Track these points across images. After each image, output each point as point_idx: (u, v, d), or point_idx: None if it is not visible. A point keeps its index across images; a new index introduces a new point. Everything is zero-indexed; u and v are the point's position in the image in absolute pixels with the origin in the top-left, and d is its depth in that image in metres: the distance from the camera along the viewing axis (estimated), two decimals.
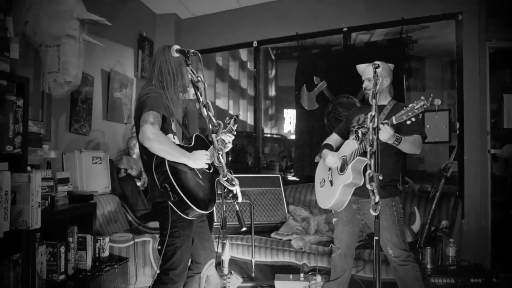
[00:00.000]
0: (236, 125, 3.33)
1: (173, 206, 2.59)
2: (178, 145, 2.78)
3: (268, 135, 12.09)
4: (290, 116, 14.24)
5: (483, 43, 4.73)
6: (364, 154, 3.23)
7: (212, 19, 6.26)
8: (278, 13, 5.87)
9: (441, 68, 9.01)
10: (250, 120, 14.47)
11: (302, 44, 5.81)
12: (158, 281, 2.76)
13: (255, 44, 6.04)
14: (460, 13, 4.79)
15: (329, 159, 3.53)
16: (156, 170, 2.61)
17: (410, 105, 2.77)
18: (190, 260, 3.01)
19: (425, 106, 2.69)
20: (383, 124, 2.95)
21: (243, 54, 18.43)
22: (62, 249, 3.31)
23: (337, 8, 5.52)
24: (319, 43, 6.02)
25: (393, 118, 2.88)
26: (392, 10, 5.17)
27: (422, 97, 2.69)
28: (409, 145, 3.17)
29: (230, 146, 3.07)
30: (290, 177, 7.52)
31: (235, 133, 3.26)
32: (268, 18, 5.93)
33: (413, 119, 2.78)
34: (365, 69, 3.51)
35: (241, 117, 17.78)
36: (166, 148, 2.58)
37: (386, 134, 2.91)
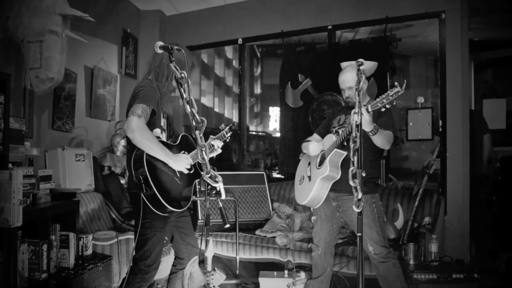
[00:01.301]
0: (231, 132, 3.36)
1: (145, 199, 2.66)
2: (162, 142, 2.82)
3: (254, 133, 12.09)
4: (275, 114, 14.26)
5: (465, 41, 4.78)
6: (341, 146, 3.25)
7: (197, 16, 6.23)
8: (263, 11, 5.87)
9: (425, 66, 9.09)
10: (235, 118, 14.45)
11: (287, 42, 5.81)
12: (129, 272, 2.81)
13: (240, 41, 6.03)
14: (443, 12, 4.83)
15: (312, 146, 3.54)
16: (135, 161, 2.67)
17: (385, 93, 2.78)
18: (174, 256, 3.05)
19: (399, 93, 2.69)
20: (356, 113, 2.97)
21: (229, 51, 18.39)
22: (45, 247, 3.27)
23: (322, 6, 5.53)
24: (304, 40, 6.03)
25: (369, 105, 2.88)
26: (377, 8, 5.20)
27: (396, 83, 2.70)
28: (383, 138, 3.19)
29: (219, 151, 3.13)
30: (275, 175, 7.52)
31: (227, 140, 3.30)
32: (253, 15, 5.93)
33: (388, 106, 2.78)
34: (344, 78, 3.50)
35: (226, 115, 17.79)
36: (147, 142, 2.64)
37: (363, 119, 2.90)
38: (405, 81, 2.75)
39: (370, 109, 2.88)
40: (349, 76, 3.44)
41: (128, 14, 5.95)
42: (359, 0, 5.33)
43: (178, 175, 2.86)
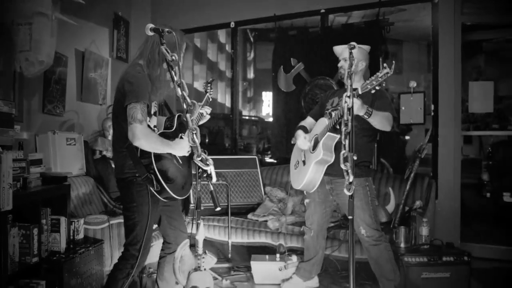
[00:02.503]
0: (212, 90, 3.35)
1: (152, 190, 2.66)
2: (161, 133, 2.83)
3: (247, 117, 12.08)
4: (268, 99, 14.24)
5: (458, 26, 4.77)
6: (334, 130, 3.25)
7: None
8: None
9: (418, 51, 9.08)
10: (228, 103, 14.41)
11: (280, 26, 5.77)
12: (120, 258, 2.81)
13: (232, 25, 5.99)
14: None
15: (300, 141, 3.55)
16: (142, 155, 2.66)
17: (375, 74, 2.77)
18: (155, 238, 3.05)
19: (388, 74, 2.70)
20: (348, 97, 2.96)
21: (222, 36, 18.27)
22: (35, 231, 3.25)
23: None
24: (296, 24, 5.99)
25: (359, 88, 2.87)
26: None
27: (385, 65, 2.70)
28: (380, 119, 3.19)
29: (208, 117, 3.12)
30: (268, 159, 7.54)
31: (210, 97, 3.32)
32: None
33: (377, 88, 2.78)
34: (342, 51, 3.52)
35: (219, 100, 17.72)
36: (154, 145, 2.64)
37: (354, 105, 2.90)
38: (394, 62, 2.75)
39: (360, 91, 2.87)
40: (346, 49, 3.43)
41: None
42: None
43: (180, 160, 2.87)
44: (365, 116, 3.06)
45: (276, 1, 5.68)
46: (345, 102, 2.37)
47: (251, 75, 18.30)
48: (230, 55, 6.24)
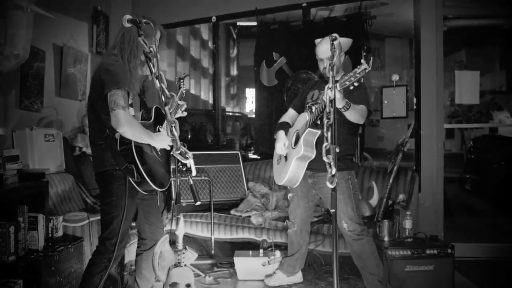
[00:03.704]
0: (185, 86, 3.32)
1: (132, 181, 2.63)
2: (141, 122, 2.78)
3: (230, 114, 12.04)
4: (252, 96, 14.22)
5: (439, 19, 4.77)
6: (314, 125, 3.22)
7: None
8: None
9: (401, 46, 9.13)
10: (211, 100, 14.38)
11: (262, 20, 5.73)
12: (95, 252, 2.77)
13: (214, 19, 5.92)
14: None
15: (279, 146, 3.52)
16: (121, 146, 2.62)
17: (353, 70, 2.75)
18: (137, 237, 3.01)
19: (366, 70, 2.67)
20: (330, 88, 2.94)
21: (204, 32, 18.21)
22: (12, 229, 3.17)
23: None
24: (278, 19, 5.96)
25: (337, 84, 2.84)
26: None
27: (363, 61, 2.67)
28: (356, 113, 3.17)
29: (184, 113, 3.08)
30: (251, 155, 7.50)
31: (184, 94, 3.26)
32: None
33: (356, 84, 2.75)
34: (320, 48, 3.46)
35: (202, 97, 17.66)
36: (137, 133, 2.60)
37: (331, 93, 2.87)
38: (371, 58, 2.74)
39: (339, 88, 2.83)
40: (325, 47, 3.40)
41: None
42: None
43: (159, 152, 2.84)
44: (343, 110, 3.03)
45: None
46: (327, 94, 2.35)
47: (234, 72, 18.27)
48: (212, 50, 6.18)
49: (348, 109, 3.04)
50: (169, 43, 14.46)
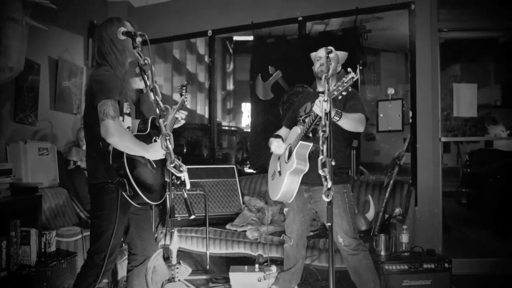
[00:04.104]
0: (187, 94, 3.29)
1: (125, 195, 2.58)
2: (135, 135, 2.75)
3: (226, 128, 12.04)
4: (248, 110, 14.23)
5: (435, 32, 4.80)
6: (306, 138, 3.20)
7: (166, 8, 6.11)
8: (233, 2, 5.81)
9: (396, 61, 9.17)
10: (207, 114, 14.36)
11: (258, 34, 5.74)
12: (84, 266, 2.70)
13: (209, 33, 5.93)
14: (412, 3, 4.86)
15: (274, 146, 3.50)
16: (114, 158, 2.57)
17: (341, 80, 2.74)
18: (127, 252, 2.95)
19: (354, 79, 2.66)
20: (325, 101, 2.93)
21: (201, 47, 18.28)
22: (4, 244, 3.14)
23: None
24: (274, 33, 5.97)
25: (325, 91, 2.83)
26: (346, 0, 5.18)
27: (349, 69, 2.66)
28: (350, 121, 3.13)
29: (182, 122, 3.04)
30: (247, 169, 7.47)
31: (186, 101, 3.29)
32: (223, 7, 5.85)
33: (344, 93, 2.74)
34: (318, 52, 3.48)
35: (198, 111, 17.67)
36: (127, 144, 2.54)
37: (319, 106, 2.84)
38: (359, 67, 2.73)
39: (325, 98, 2.82)
40: (322, 51, 3.42)
41: (94, 5, 5.80)
42: None
43: (154, 164, 2.78)
44: (335, 119, 3.00)
45: (254, 9, 5.67)
46: (321, 106, 2.34)
47: (230, 86, 18.30)
48: (208, 64, 6.19)
49: (340, 117, 3.01)
50: (165, 57, 14.51)
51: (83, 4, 5.49)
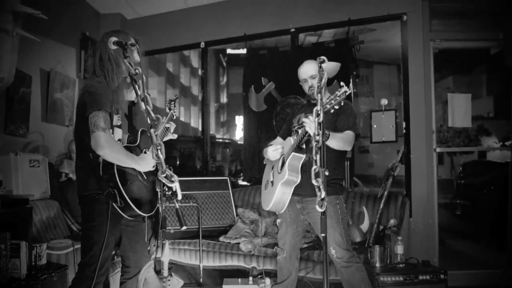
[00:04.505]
0: (176, 108, 3.28)
1: (115, 206, 2.56)
2: (125, 146, 2.74)
3: (220, 140, 12.02)
4: (242, 123, 14.21)
5: (427, 43, 4.81)
6: (299, 149, 3.18)
7: (159, 20, 6.12)
8: (225, 14, 5.82)
9: (389, 74, 9.19)
10: (201, 127, 14.33)
11: (250, 46, 5.75)
12: (75, 279, 2.67)
13: (202, 45, 5.95)
14: (404, 14, 4.89)
15: (270, 150, 3.48)
16: (104, 169, 2.57)
17: (334, 94, 2.73)
18: (121, 264, 2.92)
19: (347, 93, 2.66)
20: (306, 116, 2.92)
21: (194, 60, 18.28)
22: None
23: (285, 8, 5.53)
24: (267, 44, 5.98)
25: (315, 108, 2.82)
26: (339, 11, 5.22)
27: (342, 83, 2.66)
28: (337, 141, 3.14)
29: (174, 135, 3.04)
30: (241, 182, 7.43)
31: (175, 115, 3.25)
32: (215, 19, 5.87)
33: (336, 107, 2.73)
34: (305, 68, 3.48)
35: (192, 124, 17.65)
36: (118, 156, 2.53)
37: (312, 126, 2.84)
38: (351, 80, 2.73)
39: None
40: (309, 66, 3.43)
41: (87, 17, 5.80)
42: (322, 3, 5.34)
43: (144, 176, 2.77)
44: (323, 139, 2.98)
45: (246, 21, 5.69)
46: (310, 124, 2.32)
47: (224, 99, 18.30)
48: (201, 76, 6.18)
49: (328, 138, 3.00)
50: (159, 70, 14.50)
51: (76, 16, 5.48)
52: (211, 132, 10.33)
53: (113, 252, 2.88)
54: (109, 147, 2.47)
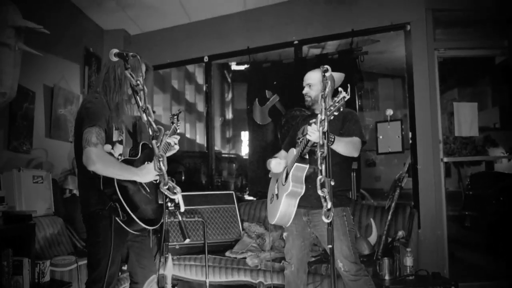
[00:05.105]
0: (179, 122, 3.26)
1: (118, 220, 2.53)
2: (124, 160, 2.69)
3: (226, 155, 11.99)
4: (247, 138, 14.18)
5: (431, 52, 4.79)
6: (301, 160, 3.15)
7: (162, 35, 6.15)
8: (228, 28, 5.84)
9: (393, 86, 9.18)
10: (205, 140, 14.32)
11: (254, 59, 5.74)
12: None
13: (206, 59, 5.96)
14: (408, 24, 4.87)
15: (273, 163, 3.46)
16: (105, 184, 2.53)
17: (333, 100, 2.70)
18: (129, 279, 2.88)
19: (345, 98, 2.62)
20: (309, 124, 2.89)
21: (199, 77, 18.33)
22: None
23: (288, 21, 5.53)
24: (271, 58, 5.98)
25: (318, 115, 2.79)
26: (343, 23, 5.22)
27: (340, 89, 2.63)
28: (344, 145, 3.10)
29: (176, 148, 3.00)
30: (247, 196, 7.38)
31: (178, 128, 3.24)
32: (218, 33, 5.88)
33: (336, 113, 2.69)
34: (308, 75, 3.46)
35: (197, 141, 17.65)
36: (111, 169, 2.51)
37: (314, 134, 2.85)
38: (349, 86, 2.69)
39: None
40: (310, 74, 3.44)
41: (91, 33, 5.82)
42: (325, 14, 5.34)
43: (147, 188, 2.73)
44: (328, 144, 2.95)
45: (250, 35, 5.70)
46: (314, 132, 2.28)
47: (229, 115, 18.32)
48: (205, 90, 6.17)
49: (333, 142, 2.97)
50: (164, 87, 14.54)
51: (79, 32, 5.50)
52: (217, 148, 10.29)
53: (119, 269, 2.84)
54: (101, 161, 2.45)
